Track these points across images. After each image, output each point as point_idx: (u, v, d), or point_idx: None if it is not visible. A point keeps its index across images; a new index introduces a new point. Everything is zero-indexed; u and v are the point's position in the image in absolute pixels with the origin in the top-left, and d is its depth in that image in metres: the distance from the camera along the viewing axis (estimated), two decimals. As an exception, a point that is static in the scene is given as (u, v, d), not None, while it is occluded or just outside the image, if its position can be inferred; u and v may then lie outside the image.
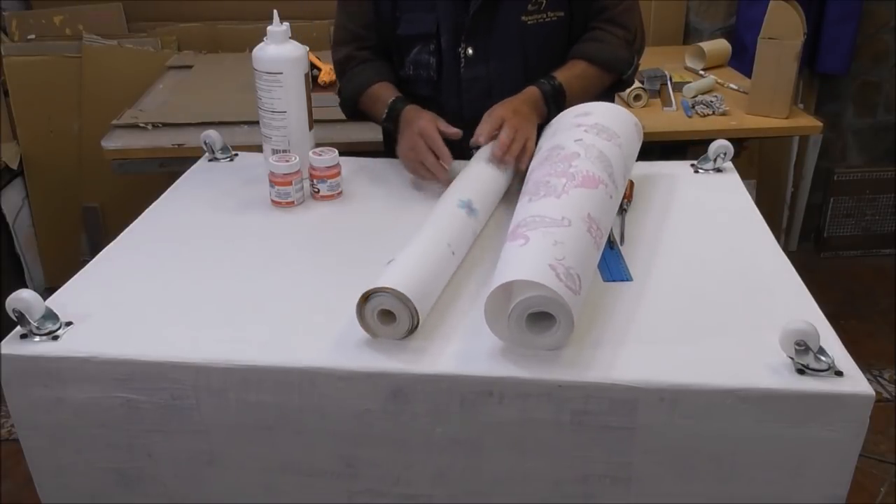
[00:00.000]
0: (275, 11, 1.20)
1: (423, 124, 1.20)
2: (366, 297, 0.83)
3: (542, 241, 0.84)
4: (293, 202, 1.17)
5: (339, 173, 1.20)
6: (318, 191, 1.19)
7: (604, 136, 1.07)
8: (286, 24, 1.20)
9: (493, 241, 1.05)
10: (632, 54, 1.32)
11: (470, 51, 1.30)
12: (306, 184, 1.21)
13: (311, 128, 1.27)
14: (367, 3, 1.33)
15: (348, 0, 1.37)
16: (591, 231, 0.90)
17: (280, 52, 1.20)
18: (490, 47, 1.29)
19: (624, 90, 1.37)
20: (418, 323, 0.84)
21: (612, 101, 1.32)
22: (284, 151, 1.24)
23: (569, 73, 1.27)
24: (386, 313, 0.83)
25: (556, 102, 1.24)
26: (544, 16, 1.28)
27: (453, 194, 1.04)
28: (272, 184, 1.17)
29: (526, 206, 0.94)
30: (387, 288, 0.82)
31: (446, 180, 1.14)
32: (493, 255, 1.01)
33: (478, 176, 1.11)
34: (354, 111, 1.39)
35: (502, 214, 1.09)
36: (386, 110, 1.29)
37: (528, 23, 1.28)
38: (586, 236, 0.88)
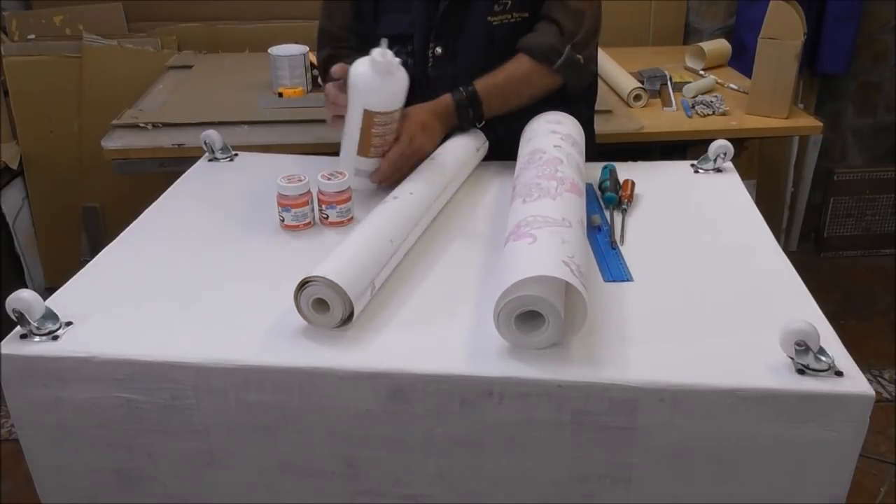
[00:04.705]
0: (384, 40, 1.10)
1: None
2: (301, 286, 0.85)
3: (551, 239, 0.85)
4: (310, 223, 1.11)
5: (350, 198, 1.12)
6: (327, 217, 1.11)
7: (576, 149, 1.14)
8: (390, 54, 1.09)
9: (482, 242, 1.05)
10: (561, 42, 1.26)
11: (438, 50, 1.31)
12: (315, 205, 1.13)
13: (360, 153, 1.18)
14: (347, 3, 1.35)
15: (329, 1, 1.39)
16: (584, 237, 0.92)
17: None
18: (457, 47, 1.31)
19: (573, 86, 1.31)
20: (353, 312, 0.85)
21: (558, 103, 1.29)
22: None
23: (493, 77, 1.27)
24: (321, 302, 0.85)
25: (472, 108, 1.25)
26: (509, 16, 1.29)
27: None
28: (286, 207, 1.09)
29: (522, 207, 0.94)
30: (319, 277, 0.83)
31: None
32: (486, 257, 1.01)
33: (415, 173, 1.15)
34: None
35: (486, 215, 1.10)
36: None
37: (494, 23, 1.28)
38: (585, 240, 0.91)
